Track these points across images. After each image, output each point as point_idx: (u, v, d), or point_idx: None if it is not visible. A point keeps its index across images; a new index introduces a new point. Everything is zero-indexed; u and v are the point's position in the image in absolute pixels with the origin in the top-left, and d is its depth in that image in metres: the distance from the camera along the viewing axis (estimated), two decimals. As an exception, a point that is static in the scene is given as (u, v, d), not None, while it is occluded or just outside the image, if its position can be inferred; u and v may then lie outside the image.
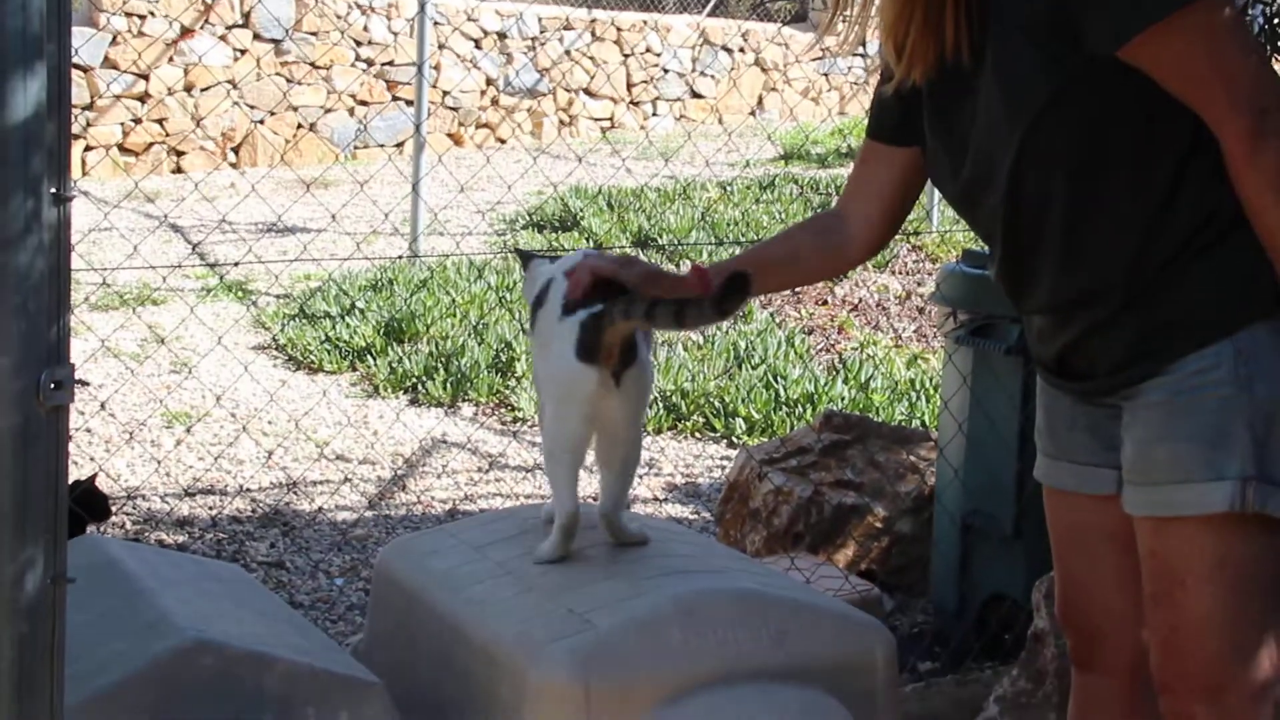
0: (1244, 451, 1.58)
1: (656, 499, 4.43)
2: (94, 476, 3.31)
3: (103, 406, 4.71)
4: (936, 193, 7.79)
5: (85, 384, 4.89)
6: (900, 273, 7.04)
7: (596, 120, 10.54)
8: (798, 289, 6.56)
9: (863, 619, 2.08)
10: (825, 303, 6.53)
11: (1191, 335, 1.61)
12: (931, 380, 5.30)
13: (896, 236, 7.49)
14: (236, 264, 6.14)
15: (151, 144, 8.74)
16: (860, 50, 11.65)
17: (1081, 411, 1.79)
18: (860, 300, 6.54)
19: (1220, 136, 1.57)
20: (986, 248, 1.81)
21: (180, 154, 8.84)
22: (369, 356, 5.54)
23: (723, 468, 4.64)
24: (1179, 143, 1.61)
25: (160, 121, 8.76)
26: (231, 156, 8.99)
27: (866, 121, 1.89)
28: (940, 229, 7.45)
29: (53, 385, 1.32)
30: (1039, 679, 2.65)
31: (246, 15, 8.98)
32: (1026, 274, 1.72)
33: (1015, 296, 1.77)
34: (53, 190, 1.32)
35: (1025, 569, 3.03)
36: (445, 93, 9.73)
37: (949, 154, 1.75)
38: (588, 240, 7.21)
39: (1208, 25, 1.54)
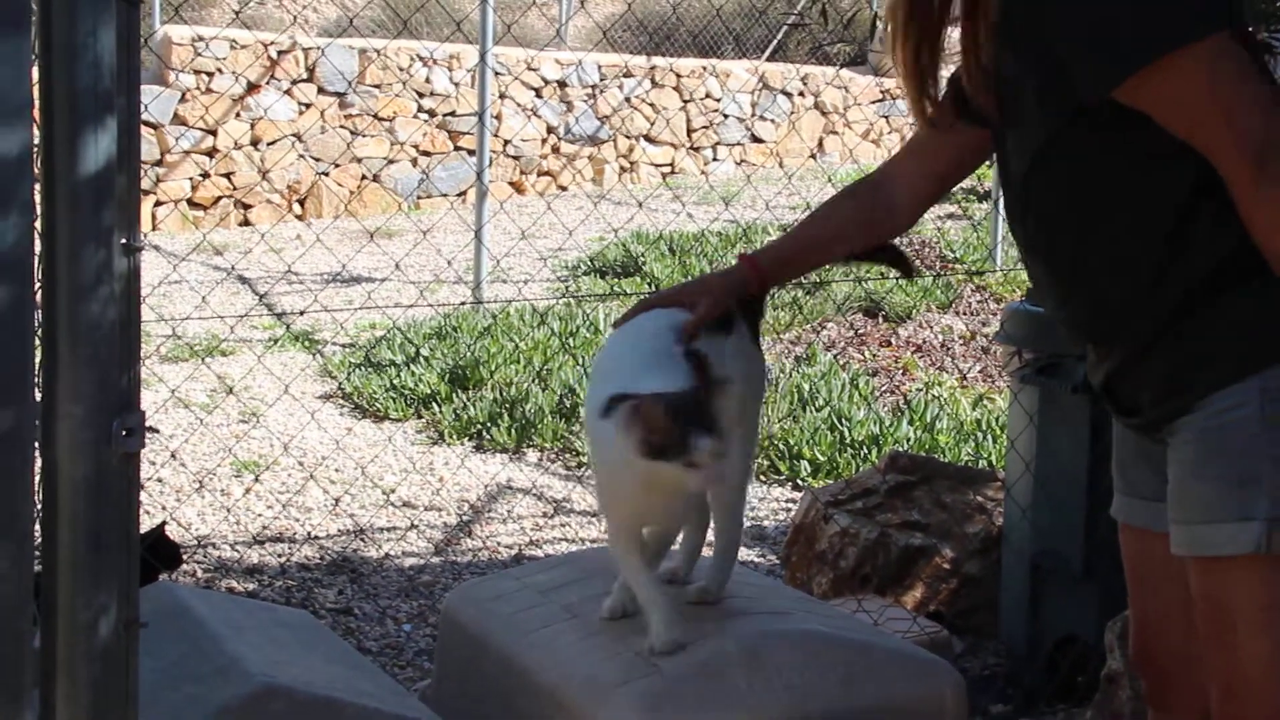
0: (1272, 492, 1.54)
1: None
2: (163, 524, 3.34)
3: (173, 456, 4.77)
4: (999, 231, 7.78)
5: (156, 431, 4.96)
6: (964, 313, 7.00)
7: (657, 166, 10.59)
8: (860, 331, 6.54)
9: (931, 660, 2.07)
10: (889, 344, 6.50)
11: (1218, 373, 1.59)
12: (997, 420, 5.25)
13: (959, 278, 7.35)
14: (303, 313, 6.22)
15: (219, 197, 8.88)
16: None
17: (1143, 446, 1.77)
18: (924, 341, 6.50)
19: (1225, 176, 1.54)
20: None
21: (247, 207, 8.98)
22: (434, 403, 5.58)
23: (788, 510, 4.62)
24: (1184, 183, 1.58)
25: (228, 175, 8.91)
26: (297, 208, 9.12)
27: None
28: (1004, 268, 7.40)
29: (124, 432, 1.35)
30: (1113, 721, 2.61)
31: (311, 69, 9.13)
32: (1054, 298, 1.75)
33: (1051, 313, 1.80)
34: (123, 241, 1.35)
35: (1096, 610, 2.98)
36: (506, 141, 9.82)
37: (999, 181, 1.79)
38: (650, 285, 7.23)
39: (1205, 65, 1.50)
